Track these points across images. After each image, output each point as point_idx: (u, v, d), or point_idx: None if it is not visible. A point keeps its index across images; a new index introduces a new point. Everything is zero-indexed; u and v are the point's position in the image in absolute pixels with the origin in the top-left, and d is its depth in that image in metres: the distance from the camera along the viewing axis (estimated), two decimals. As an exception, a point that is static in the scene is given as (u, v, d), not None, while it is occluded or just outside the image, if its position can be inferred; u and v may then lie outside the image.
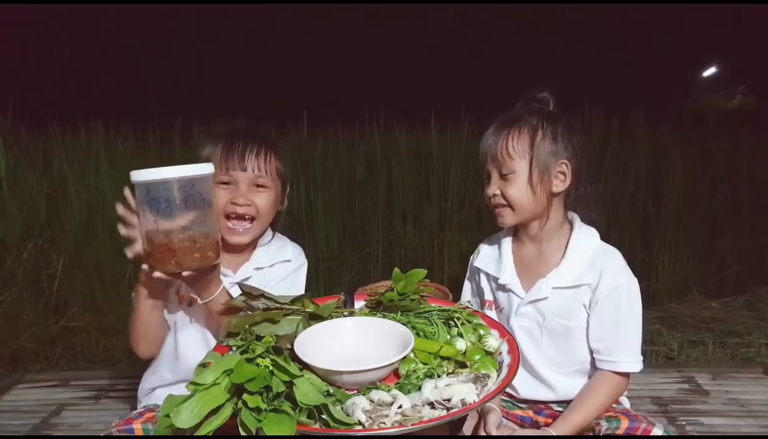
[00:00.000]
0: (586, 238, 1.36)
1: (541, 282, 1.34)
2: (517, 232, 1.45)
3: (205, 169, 1.11)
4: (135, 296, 1.30)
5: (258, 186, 1.38)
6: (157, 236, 1.08)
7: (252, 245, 1.47)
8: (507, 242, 1.44)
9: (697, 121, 4.03)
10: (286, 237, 1.56)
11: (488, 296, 1.47)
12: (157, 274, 1.10)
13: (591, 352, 1.35)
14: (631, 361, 1.30)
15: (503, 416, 1.43)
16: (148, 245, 1.10)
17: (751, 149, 3.70)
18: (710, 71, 11.19)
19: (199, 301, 1.24)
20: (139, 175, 1.06)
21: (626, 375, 1.32)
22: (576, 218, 1.39)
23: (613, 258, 1.35)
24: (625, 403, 1.42)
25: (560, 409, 1.35)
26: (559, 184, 1.33)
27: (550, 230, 1.37)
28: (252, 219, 1.38)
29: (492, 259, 1.46)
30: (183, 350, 1.38)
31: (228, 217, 1.36)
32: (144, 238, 1.11)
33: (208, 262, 1.12)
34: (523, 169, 1.30)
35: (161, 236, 1.08)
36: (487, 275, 1.46)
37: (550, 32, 8.94)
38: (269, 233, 1.51)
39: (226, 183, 1.37)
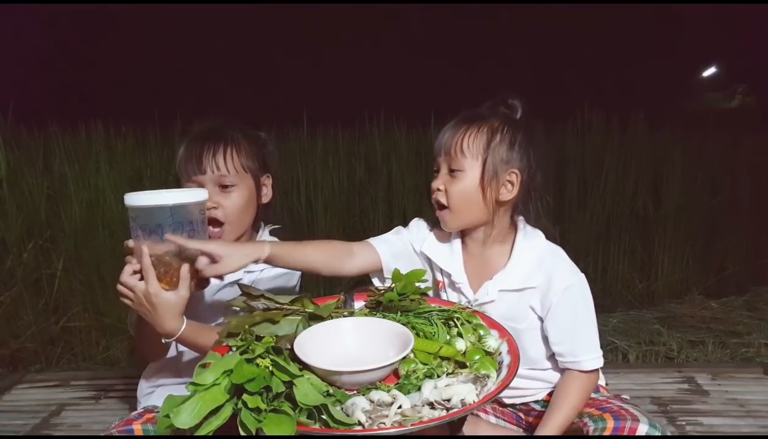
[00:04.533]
0: (531, 239, 1.33)
1: (487, 284, 1.32)
2: (463, 232, 1.41)
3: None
4: (137, 324, 1.28)
5: (223, 186, 1.34)
6: (178, 258, 1.11)
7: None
8: (457, 239, 1.40)
9: (697, 121, 4.03)
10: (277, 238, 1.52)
11: (439, 276, 1.43)
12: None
13: (545, 352, 1.34)
14: (594, 357, 1.29)
15: (497, 416, 1.44)
16: (160, 267, 1.10)
17: (751, 149, 3.70)
18: (710, 71, 11.19)
19: (164, 340, 1.19)
20: (167, 198, 1.08)
21: (593, 372, 1.31)
22: (521, 220, 1.36)
23: (560, 258, 1.33)
24: (600, 380, 1.41)
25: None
26: (506, 194, 1.29)
27: (495, 235, 1.34)
28: (221, 224, 1.34)
29: (443, 252, 1.41)
30: (185, 356, 1.38)
31: None
32: (153, 262, 1.09)
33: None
34: (473, 170, 1.27)
35: (182, 259, 1.11)
36: (434, 264, 1.42)
37: (550, 32, 8.94)
38: (260, 228, 1.47)
39: None
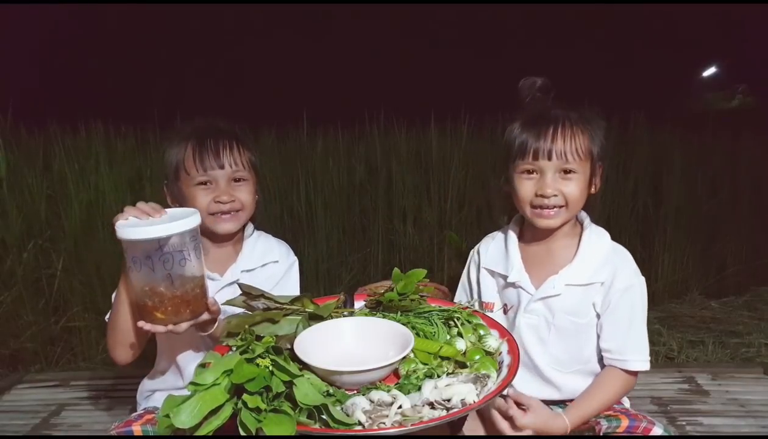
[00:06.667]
0: (598, 236, 1.37)
1: (553, 279, 1.34)
2: (522, 228, 1.44)
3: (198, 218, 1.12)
4: (117, 305, 1.25)
5: (237, 180, 1.37)
6: (171, 288, 1.07)
7: (237, 243, 1.45)
8: (513, 239, 1.43)
9: (697, 121, 4.03)
10: (270, 235, 1.53)
11: (489, 297, 1.45)
12: (170, 326, 1.10)
13: (598, 351, 1.35)
14: (642, 359, 1.31)
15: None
16: (154, 298, 1.07)
17: (751, 149, 3.70)
18: (710, 71, 11.19)
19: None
20: (153, 231, 1.03)
21: (635, 374, 1.33)
22: (586, 217, 1.40)
23: (625, 257, 1.37)
24: (625, 402, 1.42)
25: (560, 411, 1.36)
26: (597, 185, 1.36)
27: (567, 229, 1.37)
28: (237, 212, 1.37)
29: (499, 257, 1.44)
30: (183, 360, 1.38)
31: (212, 215, 1.35)
32: (147, 292, 1.07)
33: (209, 304, 1.17)
34: (584, 169, 1.31)
35: (176, 289, 1.08)
36: (493, 272, 1.44)
37: (550, 32, 8.94)
38: (250, 226, 1.49)
39: (205, 183, 1.35)
